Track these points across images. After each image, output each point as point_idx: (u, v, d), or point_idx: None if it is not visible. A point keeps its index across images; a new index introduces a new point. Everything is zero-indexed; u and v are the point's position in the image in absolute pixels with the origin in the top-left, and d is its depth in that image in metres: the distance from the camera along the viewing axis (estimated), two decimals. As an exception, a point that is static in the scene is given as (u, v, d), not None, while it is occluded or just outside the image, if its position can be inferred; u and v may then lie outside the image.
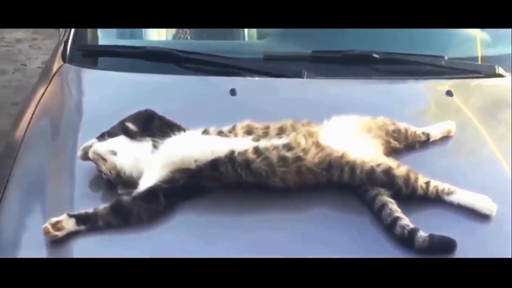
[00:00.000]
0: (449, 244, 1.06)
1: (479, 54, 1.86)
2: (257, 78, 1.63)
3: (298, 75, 1.63)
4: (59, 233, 1.09)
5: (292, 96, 1.56)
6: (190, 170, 1.17)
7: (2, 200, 1.22)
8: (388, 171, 1.17)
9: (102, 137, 1.26)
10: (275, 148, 1.18)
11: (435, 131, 1.38)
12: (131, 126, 1.25)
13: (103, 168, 1.20)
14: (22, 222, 1.19)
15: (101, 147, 1.22)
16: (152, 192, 1.15)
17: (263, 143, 1.18)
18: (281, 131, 1.22)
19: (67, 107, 1.55)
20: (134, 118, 1.26)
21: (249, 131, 1.22)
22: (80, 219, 1.10)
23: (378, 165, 1.17)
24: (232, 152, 1.17)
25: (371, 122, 1.32)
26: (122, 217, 1.12)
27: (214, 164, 1.17)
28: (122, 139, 1.24)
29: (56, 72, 1.68)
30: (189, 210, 1.17)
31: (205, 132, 1.22)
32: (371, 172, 1.16)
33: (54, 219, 1.10)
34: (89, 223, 1.11)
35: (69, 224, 1.10)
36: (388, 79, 1.70)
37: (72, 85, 1.65)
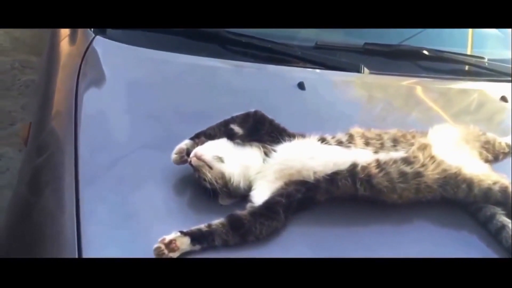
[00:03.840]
0: None
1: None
2: (318, 71, 1.54)
3: (355, 68, 1.57)
4: (173, 254, 0.95)
5: (361, 94, 1.50)
6: (308, 183, 1.07)
7: (79, 210, 1.00)
8: (505, 190, 1.14)
9: (197, 138, 1.11)
10: (395, 162, 1.10)
11: None
12: (237, 129, 1.11)
13: (208, 176, 1.05)
14: (111, 239, 0.98)
15: (206, 152, 1.06)
16: (272, 208, 1.03)
17: (383, 156, 1.11)
18: (395, 142, 1.15)
19: (119, 91, 1.33)
20: (241, 120, 1.12)
21: (366, 142, 1.13)
22: (195, 237, 0.97)
23: (495, 183, 1.14)
24: (355, 166, 1.08)
25: (466, 132, 1.29)
26: (242, 235, 1.00)
27: (334, 177, 1.07)
28: (225, 143, 1.09)
29: (89, 46, 1.46)
30: (303, 225, 1.07)
31: (323, 141, 1.11)
32: (488, 190, 1.13)
33: (167, 238, 0.95)
34: (205, 242, 0.98)
35: (184, 244, 0.96)
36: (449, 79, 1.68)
37: (114, 64, 1.43)
